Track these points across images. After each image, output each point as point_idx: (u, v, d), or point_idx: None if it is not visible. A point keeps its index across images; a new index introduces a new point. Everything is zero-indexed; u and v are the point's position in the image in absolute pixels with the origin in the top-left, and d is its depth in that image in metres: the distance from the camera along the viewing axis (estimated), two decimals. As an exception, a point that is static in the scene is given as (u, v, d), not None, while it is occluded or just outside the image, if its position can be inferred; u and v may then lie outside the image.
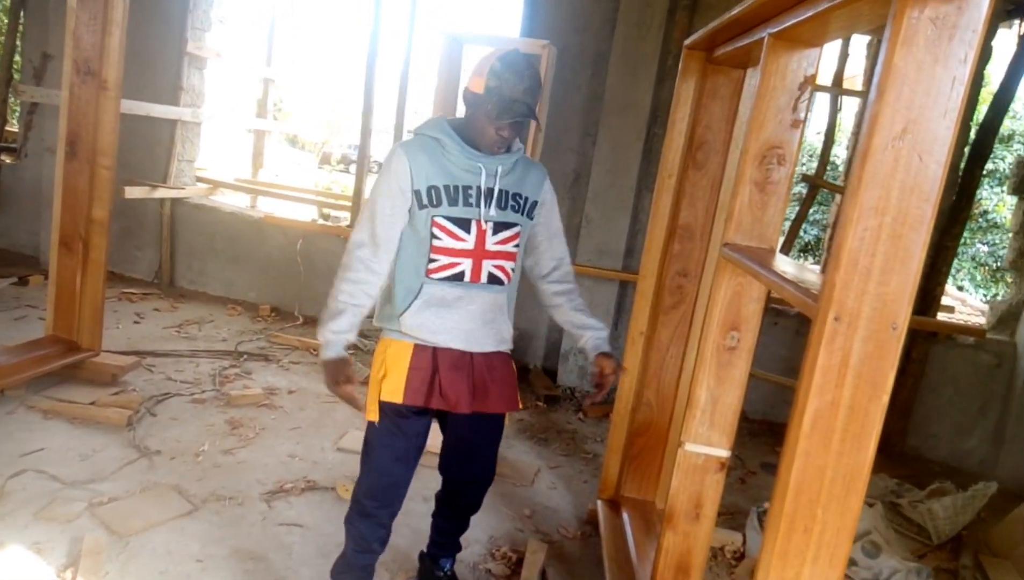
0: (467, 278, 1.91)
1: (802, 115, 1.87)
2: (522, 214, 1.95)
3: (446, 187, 1.86)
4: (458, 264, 1.90)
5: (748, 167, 1.88)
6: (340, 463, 3.13)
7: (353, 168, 4.57)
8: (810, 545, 1.28)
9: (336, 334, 1.92)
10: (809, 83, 1.85)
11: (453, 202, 1.86)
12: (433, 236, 1.87)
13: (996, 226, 9.61)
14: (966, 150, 4.00)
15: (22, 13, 5.63)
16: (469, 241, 1.88)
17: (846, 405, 1.24)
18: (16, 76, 5.55)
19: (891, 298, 1.20)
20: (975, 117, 4.05)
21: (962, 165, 3.99)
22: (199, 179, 5.79)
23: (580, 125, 4.55)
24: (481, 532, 2.74)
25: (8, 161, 5.90)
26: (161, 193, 5.25)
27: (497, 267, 1.94)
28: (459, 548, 2.34)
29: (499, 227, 1.91)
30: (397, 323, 1.92)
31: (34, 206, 5.68)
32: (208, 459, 3.00)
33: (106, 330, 3.76)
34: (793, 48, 1.82)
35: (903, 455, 4.16)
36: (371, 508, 2.04)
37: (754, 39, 2.02)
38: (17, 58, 5.69)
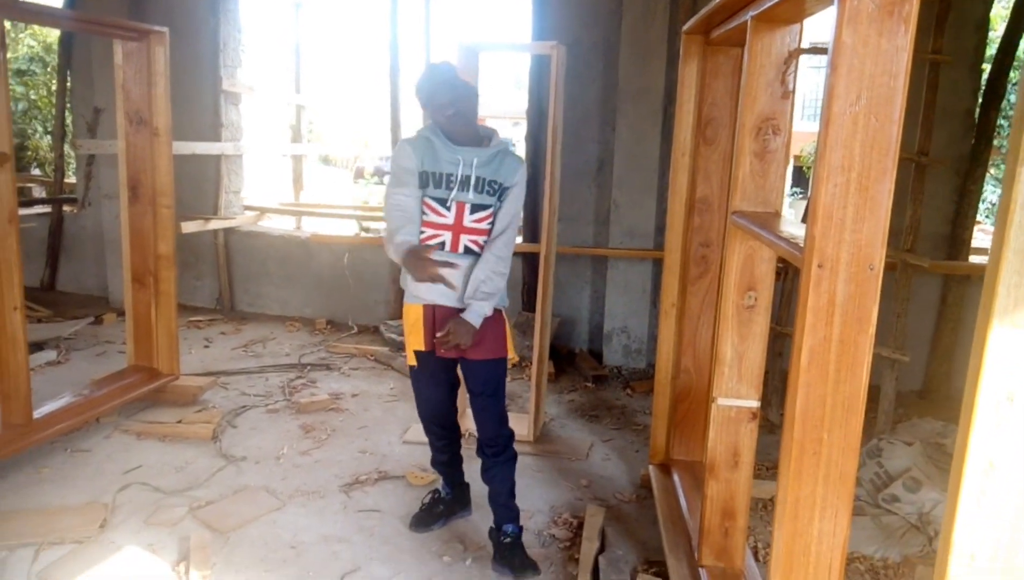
0: (447, 248, 2.38)
1: (791, 86, 2.04)
2: (495, 197, 2.39)
3: (433, 173, 2.36)
4: (439, 235, 2.38)
5: (746, 139, 2.06)
6: (407, 454, 3.39)
7: (386, 178, 4.81)
8: (820, 465, 1.47)
9: (401, 241, 2.31)
10: (794, 56, 2.02)
11: (437, 185, 2.36)
12: (423, 212, 2.38)
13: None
14: (979, 96, 4.07)
15: (68, 72, 6.06)
16: (449, 217, 2.36)
17: (837, 340, 1.42)
18: (69, 131, 5.95)
19: (865, 243, 1.38)
20: (983, 62, 4.09)
21: (977, 110, 4.06)
22: (246, 207, 6.13)
23: (599, 115, 4.73)
24: (543, 503, 2.97)
25: (70, 210, 6.34)
26: (214, 225, 5.59)
27: (472, 241, 2.40)
28: (516, 513, 2.57)
29: (476, 208, 2.37)
30: (408, 285, 2.44)
31: (98, 250, 6.09)
32: (288, 460, 3.29)
33: (180, 356, 4.09)
34: (775, 26, 1.99)
35: (948, 398, 4.24)
36: (428, 425, 2.67)
37: (740, 21, 2.19)
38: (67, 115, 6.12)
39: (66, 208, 6.39)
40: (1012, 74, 4.08)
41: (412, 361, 2.52)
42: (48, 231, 6.33)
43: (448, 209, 2.35)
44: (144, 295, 3.93)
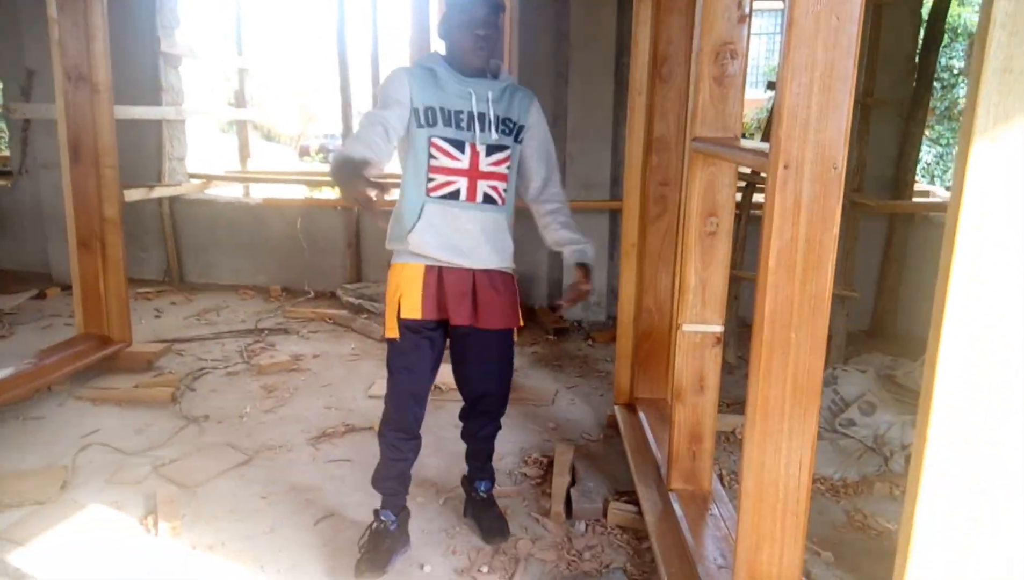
0: (463, 197, 2.06)
1: (747, 10, 2.07)
2: (512, 137, 2.11)
3: (441, 109, 2.02)
4: (453, 182, 2.05)
5: (705, 64, 2.09)
6: (374, 408, 3.37)
7: (332, 157, 4.79)
8: (788, 365, 1.51)
9: (349, 148, 1.94)
10: (750, -20, 2.04)
11: (447, 124, 2.03)
12: (431, 156, 2.03)
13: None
14: (919, 40, 4.19)
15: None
16: (464, 161, 2.04)
17: (803, 239, 1.45)
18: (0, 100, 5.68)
19: (829, 143, 1.41)
20: (922, 8, 4.21)
21: (917, 54, 4.18)
22: (191, 175, 5.96)
23: (551, 67, 4.71)
24: (512, 446, 2.99)
25: (5, 185, 6.07)
26: (158, 192, 5.42)
27: (491, 188, 2.09)
28: (492, 472, 2.48)
29: (491, 149, 2.07)
30: (406, 242, 2.07)
31: (37, 224, 5.85)
32: (252, 419, 3.25)
33: (131, 326, 3.98)
34: (730, -50, 2.01)
35: (895, 336, 4.40)
36: (399, 417, 2.21)
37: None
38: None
39: (0, 182, 6.13)
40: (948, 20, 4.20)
41: (394, 333, 2.12)
42: (-20, 206, 6.07)
43: (463, 152, 2.04)
44: (91, 260, 3.81)
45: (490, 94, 2.07)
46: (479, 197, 2.08)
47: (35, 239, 5.93)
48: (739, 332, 4.02)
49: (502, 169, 2.10)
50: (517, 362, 3.99)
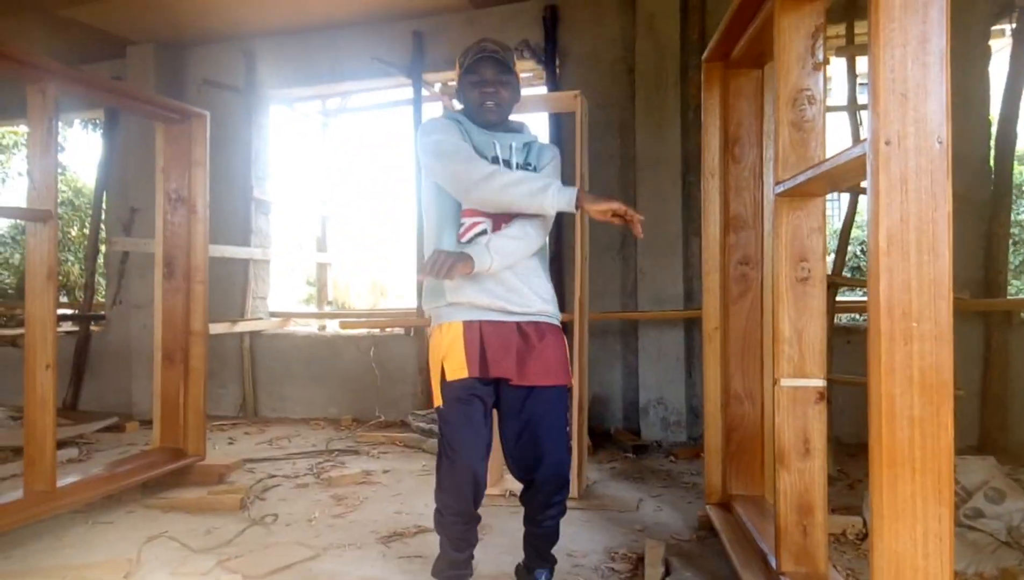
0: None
1: (820, 57, 2.10)
2: None
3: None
4: (479, 223, 2.06)
5: (783, 110, 2.10)
6: (446, 513, 3.19)
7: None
8: (912, 355, 1.37)
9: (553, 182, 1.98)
10: (820, 30, 2.09)
11: None
12: (462, 225, 2.07)
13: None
14: (991, 145, 4.17)
15: (104, 193, 6.32)
16: (485, 216, 2.06)
17: (915, 216, 1.37)
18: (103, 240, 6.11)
19: (931, 116, 1.37)
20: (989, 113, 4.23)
21: (991, 159, 4.14)
22: (272, 314, 6.18)
23: (618, 189, 4.84)
24: (596, 545, 2.75)
25: (97, 329, 6.39)
26: (241, 326, 5.61)
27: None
28: (554, 563, 2.27)
29: None
30: (443, 297, 2.06)
31: (124, 365, 6.08)
32: (321, 522, 3.10)
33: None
34: (800, 3, 2.08)
35: (1008, 450, 4.01)
36: (456, 498, 2.09)
37: (764, 14, 2.30)
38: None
39: (94, 327, 6.45)
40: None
41: (439, 401, 2.07)
42: (74, 349, 6.35)
43: None
44: (173, 373, 3.88)
45: (513, 144, 2.14)
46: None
47: (121, 379, 6.13)
48: (835, 450, 3.73)
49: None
50: (595, 475, 3.80)
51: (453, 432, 2.07)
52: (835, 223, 10.08)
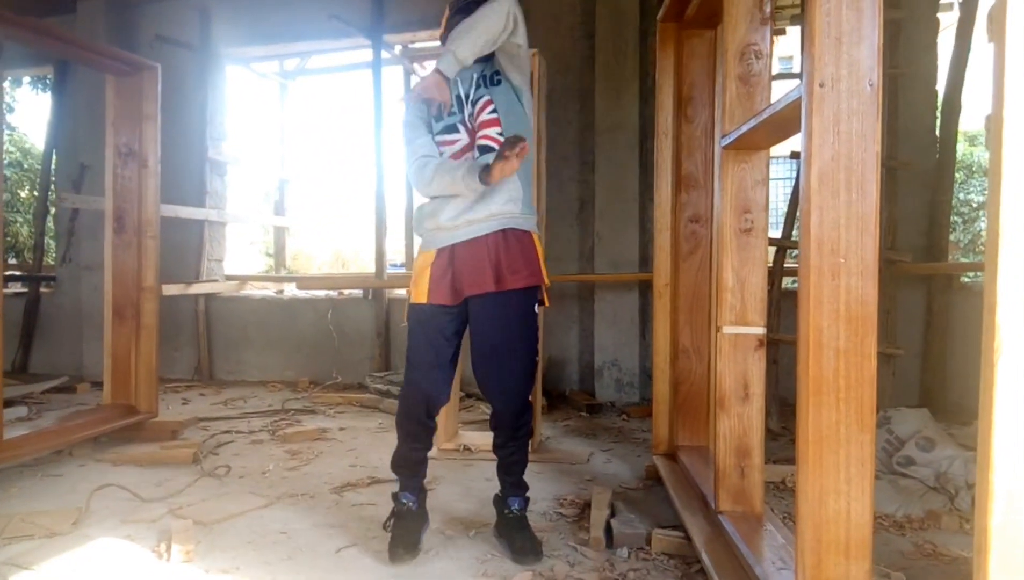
0: (462, 150, 2.25)
1: (768, 12, 2.15)
2: (489, 86, 2.23)
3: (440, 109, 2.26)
4: (456, 140, 2.26)
5: (731, 64, 2.14)
6: (400, 466, 3.23)
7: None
8: (839, 291, 1.44)
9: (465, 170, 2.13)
10: (769, -15, 2.14)
11: (439, 118, 2.26)
12: (441, 153, 2.28)
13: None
14: (937, 113, 4.29)
15: (53, 153, 6.16)
16: (463, 136, 2.25)
17: (844, 156, 1.43)
18: (52, 195, 5.97)
19: (863, 59, 1.42)
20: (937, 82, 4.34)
21: (937, 127, 4.27)
22: (228, 277, 6.11)
23: (577, 156, 4.88)
24: (546, 493, 2.82)
25: (47, 291, 6.25)
26: (196, 289, 5.54)
27: (484, 137, 2.21)
28: (525, 488, 2.37)
29: (478, 102, 2.22)
30: (421, 225, 2.28)
31: (75, 327, 5.97)
32: (275, 475, 3.12)
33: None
34: (749, -42, 2.12)
35: (946, 409, 4.17)
36: (409, 407, 2.27)
37: (715, -28, 2.34)
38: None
39: (44, 289, 6.32)
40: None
41: (406, 320, 2.29)
42: (23, 310, 6.21)
43: (458, 132, 2.25)
44: (124, 330, 3.83)
45: (474, 74, 2.25)
46: (476, 153, 2.23)
47: (71, 342, 6.02)
48: (779, 398, 3.86)
49: (493, 115, 2.21)
50: (548, 432, 3.87)
51: (411, 349, 2.26)
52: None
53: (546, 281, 2.26)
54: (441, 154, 2.26)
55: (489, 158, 2.12)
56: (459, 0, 2.27)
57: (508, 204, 2.19)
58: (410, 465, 2.33)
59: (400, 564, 2.15)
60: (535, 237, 2.27)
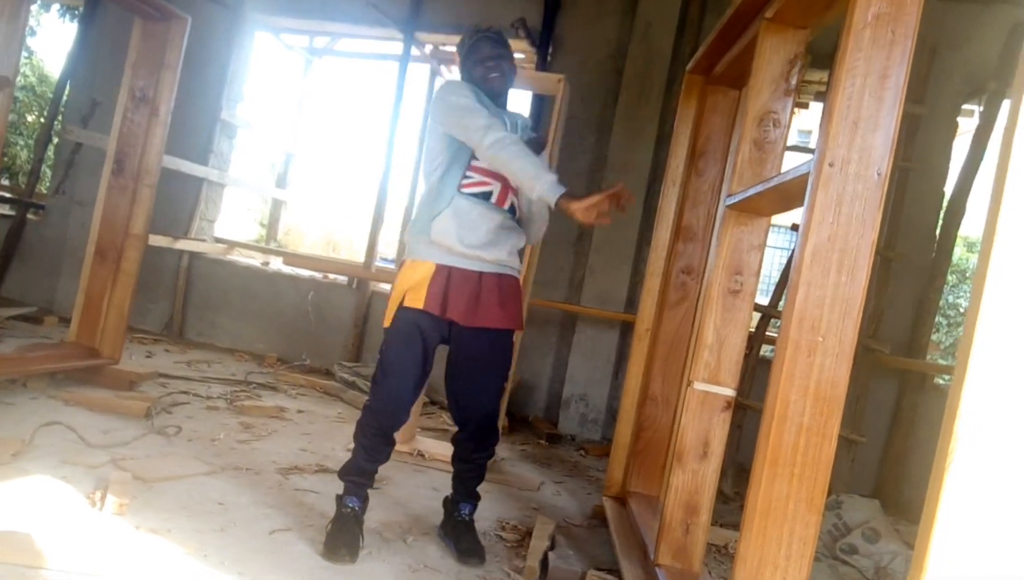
0: (494, 199, 2.24)
1: (793, 84, 2.18)
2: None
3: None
4: (488, 184, 2.23)
5: (748, 128, 2.17)
6: (350, 459, 3.20)
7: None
8: (813, 367, 1.44)
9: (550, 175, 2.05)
10: (799, 58, 2.17)
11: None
12: (473, 156, 2.20)
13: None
14: (941, 214, 4.35)
15: (68, 82, 6.11)
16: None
17: (841, 238, 1.44)
18: (58, 125, 5.91)
19: (876, 147, 1.44)
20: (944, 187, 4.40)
21: (939, 227, 4.32)
22: (217, 239, 6.06)
23: (585, 185, 4.89)
24: (490, 514, 2.80)
25: (36, 219, 6.18)
26: (182, 244, 5.49)
27: (514, 200, 2.29)
28: (478, 498, 2.44)
29: None
30: (427, 233, 2.20)
31: (56, 259, 5.90)
32: (224, 444, 3.08)
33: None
34: (783, 28, 2.14)
35: (897, 505, 4.19)
36: (377, 419, 2.24)
37: (749, 36, 2.36)
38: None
39: (31, 216, 6.24)
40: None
41: (389, 322, 2.23)
42: (6, 233, 6.13)
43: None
44: (103, 271, 3.79)
45: (519, 121, 2.34)
46: (507, 204, 2.27)
47: (48, 273, 5.95)
48: (737, 462, 3.86)
49: None
50: (504, 454, 3.85)
51: (391, 355, 2.23)
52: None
53: (522, 327, 2.37)
54: (473, 157, 2.21)
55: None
56: (473, 33, 2.34)
57: (512, 257, 2.30)
58: (362, 475, 2.31)
59: (340, 563, 2.12)
60: (519, 283, 2.38)
